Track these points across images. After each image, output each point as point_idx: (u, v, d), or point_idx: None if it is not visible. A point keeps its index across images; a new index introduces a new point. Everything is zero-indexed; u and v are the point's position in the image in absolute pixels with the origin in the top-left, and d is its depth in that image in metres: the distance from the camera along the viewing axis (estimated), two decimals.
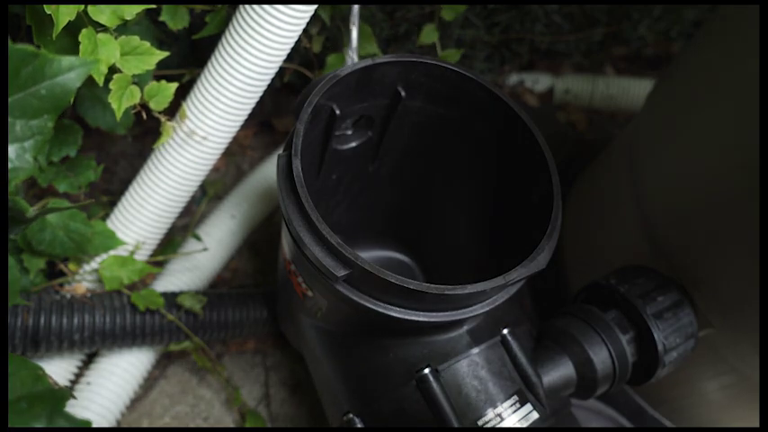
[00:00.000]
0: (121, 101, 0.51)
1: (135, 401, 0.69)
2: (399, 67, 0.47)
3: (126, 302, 0.60)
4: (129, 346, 0.62)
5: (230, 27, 0.54)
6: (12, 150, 0.38)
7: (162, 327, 0.61)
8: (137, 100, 0.52)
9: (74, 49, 0.47)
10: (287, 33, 0.52)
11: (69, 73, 0.40)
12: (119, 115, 0.51)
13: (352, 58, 0.57)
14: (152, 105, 0.53)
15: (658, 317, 0.51)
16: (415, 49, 0.82)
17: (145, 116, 0.54)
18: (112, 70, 0.50)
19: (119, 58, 0.49)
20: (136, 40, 0.50)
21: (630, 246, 0.63)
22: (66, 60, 0.40)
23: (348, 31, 0.52)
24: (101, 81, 0.48)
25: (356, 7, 0.52)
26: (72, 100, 0.48)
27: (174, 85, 0.54)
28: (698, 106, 0.54)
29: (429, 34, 0.72)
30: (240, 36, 0.52)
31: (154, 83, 0.53)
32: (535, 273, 0.41)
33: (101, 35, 0.48)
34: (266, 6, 0.50)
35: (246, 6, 0.51)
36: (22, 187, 0.58)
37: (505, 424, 0.45)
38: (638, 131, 0.64)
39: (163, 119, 0.55)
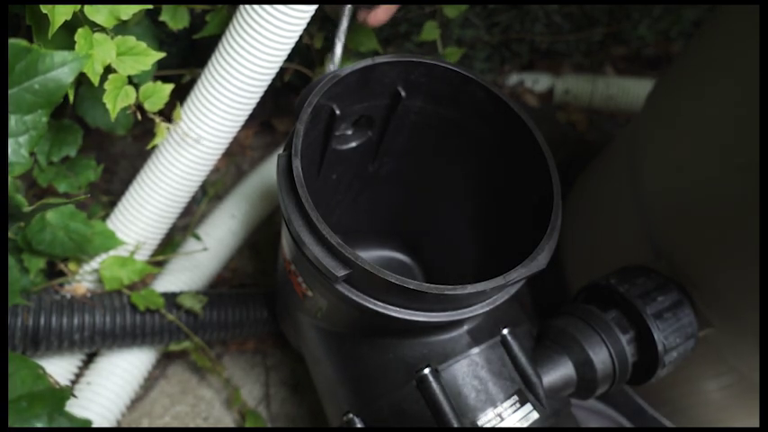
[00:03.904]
0: (116, 101, 0.51)
1: (135, 401, 0.69)
2: (399, 67, 0.47)
3: (126, 302, 0.60)
4: (129, 346, 0.62)
5: (230, 27, 0.54)
6: None
7: (162, 327, 0.61)
8: (132, 101, 0.52)
9: (72, 48, 0.47)
10: (287, 34, 0.52)
11: (62, 68, 0.40)
12: (113, 116, 0.51)
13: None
14: (147, 106, 0.53)
15: (658, 317, 0.51)
16: (414, 49, 0.83)
17: (140, 117, 0.54)
18: (108, 70, 0.50)
19: (114, 59, 0.49)
20: (132, 40, 0.50)
21: (630, 246, 0.63)
22: (59, 55, 0.40)
23: (332, 46, 0.52)
24: (96, 81, 0.48)
25: (344, 24, 0.53)
26: (71, 97, 0.48)
27: (169, 87, 0.54)
28: (698, 106, 0.54)
29: (430, 31, 0.72)
30: (240, 36, 0.52)
31: (149, 84, 0.53)
32: (535, 273, 0.41)
33: (97, 35, 0.48)
34: (267, 6, 0.50)
35: (247, 6, 0.51)
36: (22, 187, 0.58)
37: (505, 424, 0.45)
38: (638, 131, 0.64)
39: (157, 120, 0.55)
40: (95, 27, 0.48)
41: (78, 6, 0.45)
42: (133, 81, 0.53)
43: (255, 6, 0.51)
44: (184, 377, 0.71)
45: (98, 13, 0.47)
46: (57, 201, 0.42)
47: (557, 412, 0.48)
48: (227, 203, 0.76)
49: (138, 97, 0.52)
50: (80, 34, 0.46)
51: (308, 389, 0.73)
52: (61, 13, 0.44)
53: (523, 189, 0.49)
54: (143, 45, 0.50)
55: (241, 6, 0.52)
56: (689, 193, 0.54)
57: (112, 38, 0.49)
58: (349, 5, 0.53)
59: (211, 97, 0.55)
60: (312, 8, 0.52)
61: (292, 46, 0.54)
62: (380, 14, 0.55)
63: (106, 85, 0.50)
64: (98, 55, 0.48)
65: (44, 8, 0.43)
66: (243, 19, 0.52)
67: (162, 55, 0.51)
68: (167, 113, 0.56)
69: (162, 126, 0.55)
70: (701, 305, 0.53)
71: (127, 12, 0.47)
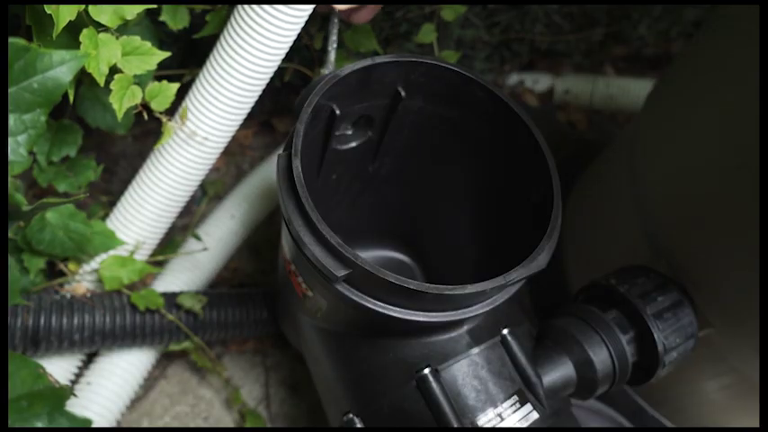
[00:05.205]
0: (123, 101, 0.51)
1: (135, 401, 0.69)
2: (399, 67, 0.47)
3: (126, 302, 0.60)
4: (129, 346, 0.62)
5: (228, 27, 0.54)
6: None
7: (162, 327, 0.61)
8: (138, 100, 0.52)
9: (74, 49, 0.47)
10: (285, 33, 0.52)
11: (61, 67, 0.40)
12: (120, 116, 0.51)
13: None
14: (153, 106, 0.53)
15: (658, 317, 0.51)
16: (414, 49, 0.82)
17: (146, 116, 0.54)
18: (113, 71, 0.50)
19: (120, 59, 0.49)
20: (137, 40, 0.50)
21: (630, 246, 0.63)
22: (58, 54, 0.40)
23: (327, 53, 0.52)
24: (102, 81, 0.48)
25: (335, 32, 0.53)
26: (71, 97, 0.48)
27: (175, 86, 0.54)
28: (698, 106, 0.54)
29: (427, 34, 0.72)
30: (239, 35, 0.52)
31: (155, 83, 0.53)
32: (535, 273, 0.41)
33: (102, 35, 0.48)
34: (265, 6, 0.50)
35: (245, 6, 0.51)
36: (22, 186, 0.58)
37: (505, 424, 0.45)
38: (637, 131, 0.64)
39: (164, 119, 0.55)
40: (100, 27, 0.48)
41: (82, 6, 0.45)
42: (135, 81, 0.53)
43: (254, 6, 0.51)
44: (184, 377, 0.71)
45: (102, 13, 0.46)
46: (56, 200, 0.42)
47: (557, 412, 0.48)
48: (227, 203, 0.76)
49: (144, 97, 0.52)
50: (85, 35, 0.46)
51: (307, 389, 0.73)
52: (65, 14, 0.43)
53: (523, 189, 0.49)
54: (148, 44, 0.50)
55: (239, 6, 0.52)
56: (689, 192, 0.54)
57: (117, 38, 0.49)
58: (336, 17, 0.53)
59: (209, 96, 0.55)
60: (310, 8, 0.52)
61: (290, 45, 0.54)
62: (364, 14, 0.55)
63: (112, 86, 0.50)
64: (103, 55, 0.48)
65: (48, 8, 0.43)
66: (241, 18, 0.52)
67: (167, 54, 0.51)
68: (169, 113, 0.56)
69: (169, 125, 0.55)
70: (701, 305, 0.53)
71: (131, 11, 0.47)
